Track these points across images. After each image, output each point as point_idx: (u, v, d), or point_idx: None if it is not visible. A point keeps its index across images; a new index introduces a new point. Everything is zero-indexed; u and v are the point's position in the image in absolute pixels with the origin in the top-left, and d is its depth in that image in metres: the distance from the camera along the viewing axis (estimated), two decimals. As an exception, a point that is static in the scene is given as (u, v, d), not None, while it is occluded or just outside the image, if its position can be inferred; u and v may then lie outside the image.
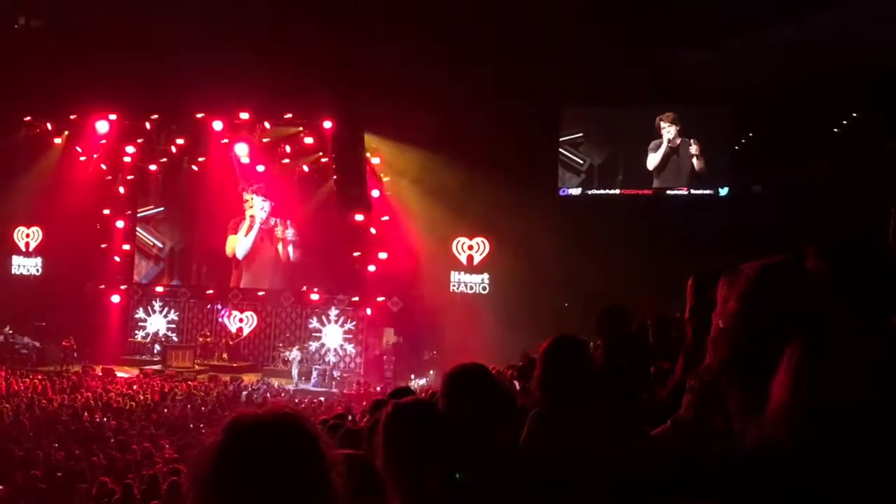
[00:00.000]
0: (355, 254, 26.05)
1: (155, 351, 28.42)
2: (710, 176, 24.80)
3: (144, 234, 30.00)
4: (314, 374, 25.40)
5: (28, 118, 27.87)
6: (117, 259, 29.15)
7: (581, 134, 25.79)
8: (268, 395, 21.35)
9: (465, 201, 24.65)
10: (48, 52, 23.80)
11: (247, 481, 1.56)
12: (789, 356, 1.45)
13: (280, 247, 28.55)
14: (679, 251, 18.88)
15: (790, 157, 21.34)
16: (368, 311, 26.71)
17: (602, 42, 21.35)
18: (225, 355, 27.41)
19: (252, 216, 28.67)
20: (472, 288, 26.40)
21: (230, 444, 1.60)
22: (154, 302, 29.42)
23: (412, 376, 24.60)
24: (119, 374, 24.44)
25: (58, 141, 28.48)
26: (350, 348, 27.25)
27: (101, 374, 24.00)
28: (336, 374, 25.82)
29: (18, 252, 29.79)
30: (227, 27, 22.22)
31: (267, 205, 28.59)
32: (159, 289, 29.58)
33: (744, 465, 1.46)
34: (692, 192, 24.94)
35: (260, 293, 28.47)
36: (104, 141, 27.93)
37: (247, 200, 28.68)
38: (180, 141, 28.30)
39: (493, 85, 22.41)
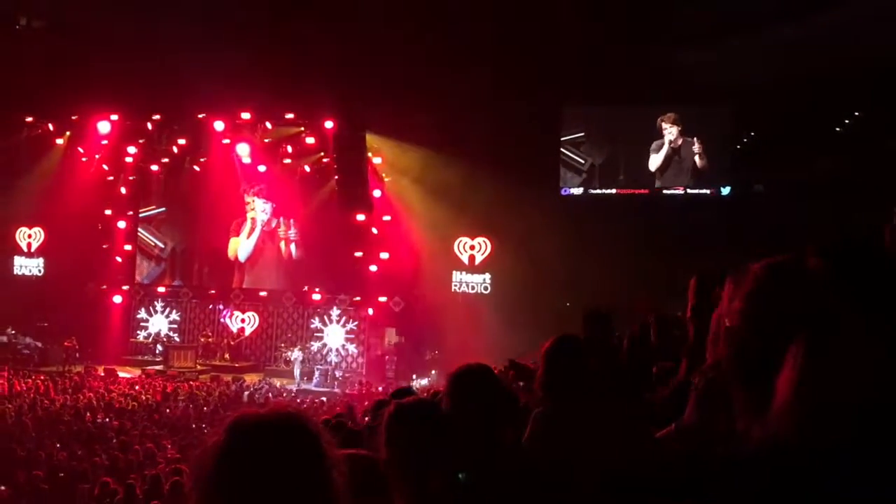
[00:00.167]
0: (357, 254, 26.05)
1: (157, 351, 28.46)
2: (711, 175, 24.80)
3: (146, 234, 30.03)
4: (316, 374, 25.40)
5: (30, 119, 27.90)
6: (119, 259, 29.20)
7: (582, 134, 25.79)
8: (270, 395, 21.35)
9: (467, 201, 24.68)
10: (50, 52, 23.80)
11: (249, 481, 1.56)
12: (793, 355, 1.45)
13: (282, 245, 28.58)
14: (681, 250, 18.90)
15: (792, 156, 21.33)
16: (370, 311, 26.71)
17: (602, 42, 21.34)
18: (227, 355, 27.43)
19: (253, 219, 28.70)
20: (473, 288, 26.42)
21: (232, 444, 1.60)
22: (156, 302, 29.45)
23: (414, 376, 24.61)
24: (121, 374, 24.45)
25: (59, 141, 28.50)
26: (352, 348, 27.26)
27: (103, 374, 24.01)
28: (338, 374, 25.83)
29: (20, 253, 29.84)
30: (228, 27, 22.22)
31: (269, 207, 28.62)
32: (161, 289, 29.61)
33: (747, 465, 1.46)
34: (694, 191, 24.94)
35: (262, 293, 28.49)
36: (106, 141, 27.93)
37: (248, 203, 28.71)
38: (182, 141, 28.32)
39: (493, 84, 22.40)
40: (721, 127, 24.45)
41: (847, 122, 22.97)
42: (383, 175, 27.28)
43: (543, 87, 23.15)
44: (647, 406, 3.64)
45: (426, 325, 25.54)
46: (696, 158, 24.79)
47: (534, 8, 21.69)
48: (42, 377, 22.09)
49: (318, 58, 22.68)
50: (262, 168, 28.03)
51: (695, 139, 24.73)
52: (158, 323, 29.27)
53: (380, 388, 22.18)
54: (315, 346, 27.16)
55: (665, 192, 25.05)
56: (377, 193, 26.98)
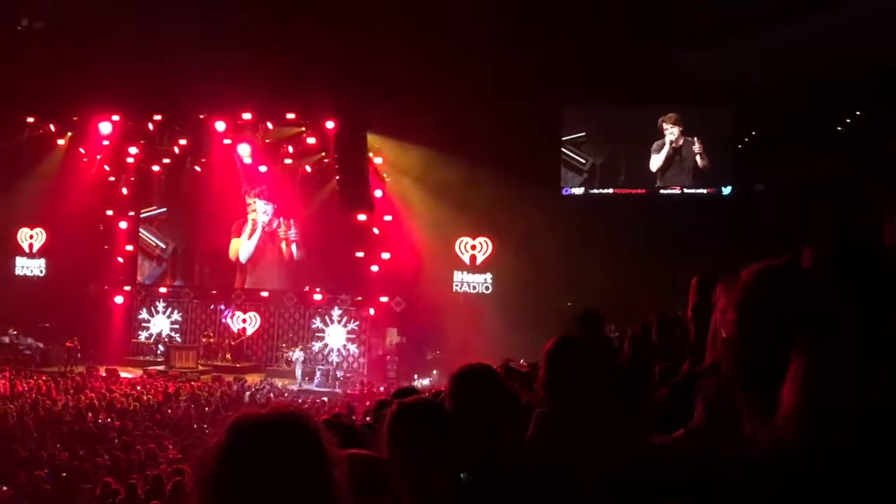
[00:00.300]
0: (358, 254, 26.05)
1: (158, 351, 28.48)
2: (712, 175, 24.79)
3: (147, 234, 30.05)
4: (317, 374, 25.41)
5: (31, 119, 27.88)
6: (120, 260, 29.21)
7: (583, 133, 25.79)
8: (271, 395, 21.37)
9: (468, 201, 24.69)
10: (51, 53, 23.81)
11: (251, 481, 1.57)
12: (795, 357, 1.45)
13: (283, 245, 28.59)
14: (682, 250, 18.90)
15: (793, 156, 21.32)
16: (371, 312, 26.71)
17: (603, 42, 21.34)
18: (228, 356, 27.44)
19: (254, 220, 28.72)
20: (475, 288, 26.42)
21: (234, 444, 1.61)
22: (157, 302, 29.47)
23: (415, 376, 24.62)
24: (123, 374, 24.46)
25: (61, 142, 28.49)
26: (353, 348, 27.26)
27: (104, 374, 24.02)
28: (339, 374, 25.83)
29: (22, 253, 29.86)
30: (228, 27, 22.23)
31: (270, 208, 28.64)
32: (162, 289, 29.63)
33: (753, 468, 1.46)
34: (695, 191, 24.93)
35: (263, 294, 28.50)
36: (107, 142, 27.92)
37: (249, 204, 28.73)
38: (183, 141, 28.32)
39: (494, 84, 22.41)
40: (722, 127, 24.44)
41: (848, 121, 22.96)
42: (384, 175, 27.28)
43: (544, 87, 23.15)
44: (649, 406, 3.64)
45: (427, 325, 25.55)
46: (697, 158, 24.78)
47: (534, 8, 21.70)
48: (44, 378, 22.12)
49: (318, 58, 22.68)
50: (263, 168, 28.04)
51: (695, 139, 24.73)
52: (160, 323, 29.29)
53: (381, 389, 22.18)
54: (316, 346, 27.17)
55: (666, 191, 25.05)
56: (378, 193, 26.97)
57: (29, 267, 29.85)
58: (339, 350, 27.18)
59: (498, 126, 23.16)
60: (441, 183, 24.94)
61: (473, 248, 26.31)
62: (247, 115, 26.66)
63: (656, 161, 25.05)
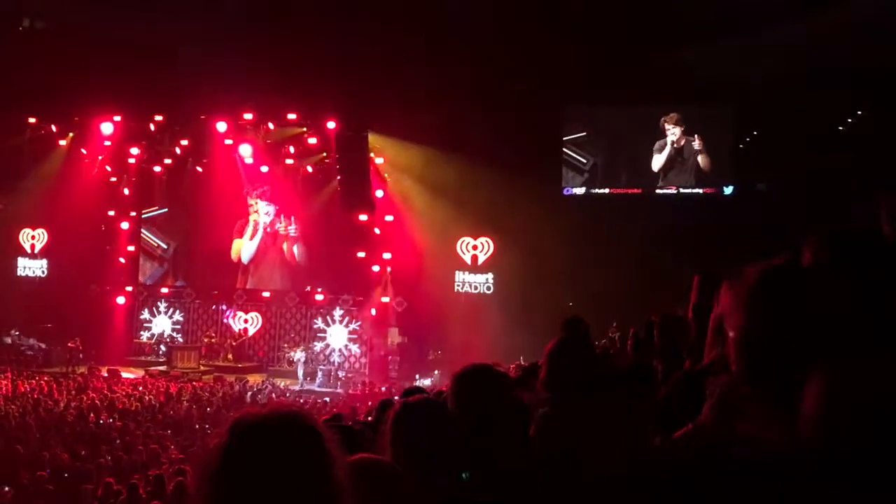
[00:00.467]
0: (360, 254, 26.06)
1: (160, 352, 28.50)
2: (714, 174, 24.77)
3: (149, 235, 30.07)
4: (319, 374, 25.42)
5: (33, 120, 27.90)
6: (122, 260, 29.23)
7: (584, 133, 25.78)
8: (273, 395, 21.37)
9: (469, 201, 24.70)
10: (52, 54, 23.82)
11: (252, 480, 1.57)
12: (814, 361, 1.44)
13: (285, 246, 28.60)
14: (683, 250, 18.90)
15: (794, 155, 21.30)
16: (373, 312, 26.71)
17: (603, 42, 21.34)
18: (230, 356, 27.46)
19: (256, 221, 28.73)
20: (476, 288, 26.42)
21: (235, 444, 1.60)
22: (159, 303, 29.48)
23: (417, 376, 24.61)
24: (124, 375, 24.49)
25: (62, 143, 28.50)
26: (355, 348, 27.26)
27: (106, 375, 24.04)
28: (341, 374, 25.84)
29: (24, 254, 29.88)
30: (229, 28, 22.22)
31: (272, 209, 28.66)
32: (164, 290, 29.65)
33: (759, 470, 1.45)
34: (697, 190, 24.92)
35: (265, 294, 28.51)
36: (108, 143, 27.93)
37: (251, 205, 28.74)
38: (184, 142, 28.34)
39: (495, 84, 22.40)
40: (723, 126, 24.43)
41: (850, 120, 22.94)
42: (385, 175, 27.28)
43: (545, 87, 23.15)
44: (650, 406, 3.64)
45: (429, 325, 25.56)
46: (699, 158, 24.77)
47: (534, 8, 21.69)
48: (46, 378, 22.16)
49: (319, 58, 22.69)
50: (264, 169, 28.06)
51: (697, 138, 24.72)
52: (162, 324, 29.30)
53: (383, 389, 22.20)
54: (318, 346, 27.18)
55: (668, 191, 25.04)
56: (380, 193, 26.97)
57: (31, 268, 29.88)
58: (340, 350, 27.18)
59: (499, 126, 23.17)
60: (442, 183, 24.95)
61: (475, 248, 26.31)
62: (248, 116, 26.66)
63: (658, 161, 25.05)
